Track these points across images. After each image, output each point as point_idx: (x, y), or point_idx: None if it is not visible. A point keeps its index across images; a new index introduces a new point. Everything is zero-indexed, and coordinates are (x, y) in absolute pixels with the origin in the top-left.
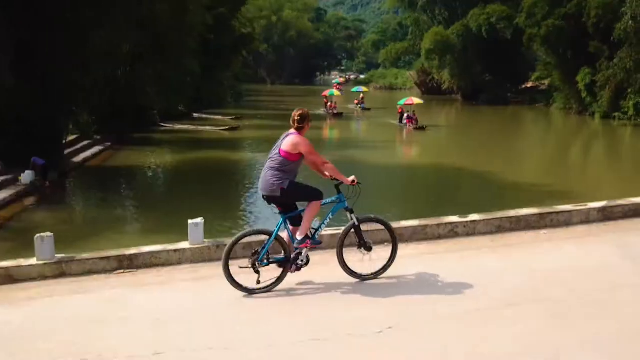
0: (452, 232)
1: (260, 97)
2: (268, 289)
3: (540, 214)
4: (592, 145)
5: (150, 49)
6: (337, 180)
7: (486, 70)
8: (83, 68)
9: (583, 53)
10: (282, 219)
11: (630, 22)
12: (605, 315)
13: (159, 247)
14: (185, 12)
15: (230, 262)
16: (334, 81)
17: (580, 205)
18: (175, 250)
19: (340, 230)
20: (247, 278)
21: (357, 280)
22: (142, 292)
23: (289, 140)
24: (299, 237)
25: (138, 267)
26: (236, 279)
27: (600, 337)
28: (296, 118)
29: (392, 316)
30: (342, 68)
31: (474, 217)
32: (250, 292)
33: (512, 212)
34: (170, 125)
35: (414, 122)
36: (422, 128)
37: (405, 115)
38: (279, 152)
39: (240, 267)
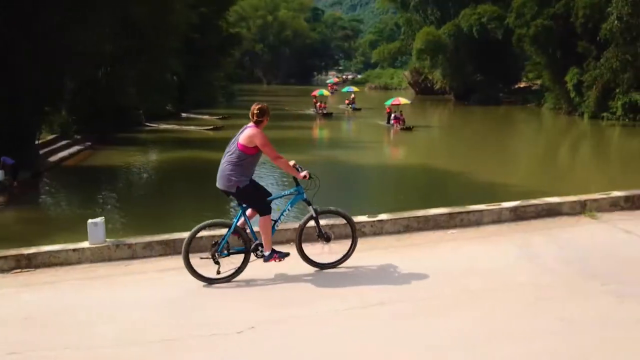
0: (360, 232)
1: (255, 97)
2: (228, 279)
3: (450, 214)
4: (577, 145)
5: (132, 49)
6: (291, 173)
7: (478, 70)
8: (57, 68)
9: (572, 53)
10: (241, 211)
11: (616, 22)
12: (492, 315)
13: (58, 246)
14: (167, 12)
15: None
16: (327, 81)
17: (493, 205)
18: (74, 250)
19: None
20: (208, 269)
21: (317, 269)
22: (30, 291)
23: (246, 133)
24: (265, 253)
25: (37, 267)
26: (197, 269)
27: (482, 336)
28: (255, 112)
29: (261, 315)
30: (340, 68)
31: (382, 216)
32: (211, 282)
33: (421, 212)
34: (156, 125)
35: (401, 122)
36: (408, 129)
37: (393, 115)
38: (237, 146)
39: (202, 258)
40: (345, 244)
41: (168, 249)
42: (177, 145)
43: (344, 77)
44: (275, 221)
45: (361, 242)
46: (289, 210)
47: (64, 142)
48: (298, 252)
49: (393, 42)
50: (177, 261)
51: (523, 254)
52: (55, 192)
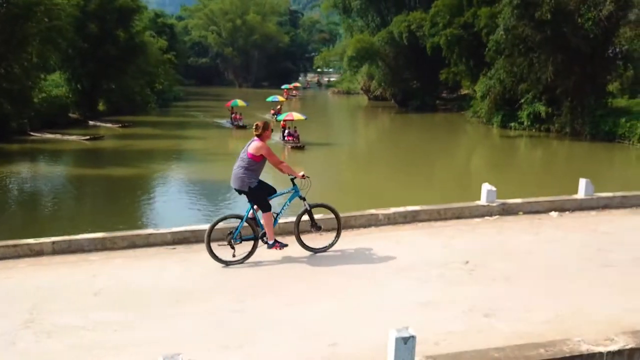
0: None
1: (199, 103)
2: (241, 261)
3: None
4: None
5: None
6: (292, 174)
7: (414, 77)
8: None
9: (484, 62)
10: (250, 206)
11: (502, 33)
12: None
13: None
14: (16, 24)
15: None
16: (283, 86)
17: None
18: None
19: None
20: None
21: (311, 252)
22: None
23: (253, 145)
24: (269, 242)
25: None
26: (216, 253)
27: None
28: (254, 129)
29: None
30: (322, 70)
31: None
32: (227, 263)
33: None
34: (39, 135)
35: (294, 139)
36: (300, 147)
37: (286, 132)
38: (247, 154)
39: (220, 245)
40: (333, 232)
41: None
42: (40, 157)
43: (307, 80)
44: (277, 214)
45: None
46: (287, 205)
47: None
48: (296, 239)
49: (334, 48)
50: None
51: None
52: None
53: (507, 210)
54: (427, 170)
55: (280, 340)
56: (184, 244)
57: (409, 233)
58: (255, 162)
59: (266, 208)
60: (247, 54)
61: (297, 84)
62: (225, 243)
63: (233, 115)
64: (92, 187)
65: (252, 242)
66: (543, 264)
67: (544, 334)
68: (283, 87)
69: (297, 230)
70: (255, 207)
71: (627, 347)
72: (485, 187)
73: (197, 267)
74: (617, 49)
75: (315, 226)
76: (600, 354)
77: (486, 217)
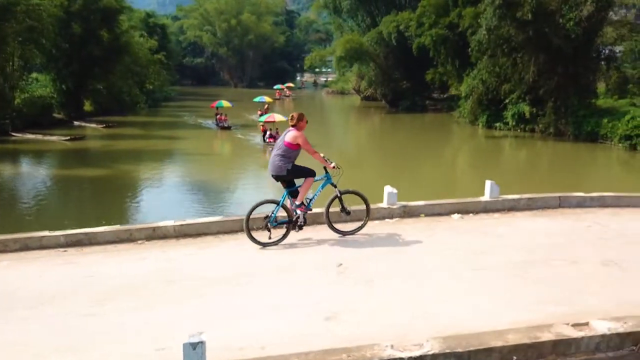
0: None
1: (191, 103)
2: (276, 243)
3: None
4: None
5: None
6: (323, 164)
7: (404, 78)
8: None
9: (469, 62)
10: (285, 193)
11: (484, 33)
12: None
13: None
14: None
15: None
16: (275, 87)
17: None
18: None
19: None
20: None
21: (340, 235)
22: None
23: (290, 135)
24: (297, 202)
25: None
26: (254, 236)
27: None
28: (289, 119)
29: None
30: (321, 69)
31: None
32: (264, 245)
33: None
34: (21, 135)
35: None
36: None
37: (268, 133)
38: (284, 143)
39: (257, 228)
40: (361, 217)
41: None
42: (22, 156)
43: (319, 79)
44: (310, 200)
45: None
46: (320, 191)
47: None
48: (326, 223)
49: (325, 49)
50: None
51: None
52: None
53: (408, 213)
54: (410, 171)
55: (120, 345)
56: (77, 246)
57: (300, 234)
58: (292, 150)
59: (310, 174)
60: (242, 54)
61: (291, 84)
62: (262, 226)
63: (218, 116)
64: (67, 187)
65: (286, 226)
66: (415, 266)
67: (377, 338)
68: (275, 87)
69: (327, 213)
70: (289, 194)
71: (430, 352)
72: (387, 189)
73: (75, 270)
74: (602, 49)
75: (344, 211)
76: (401, 359)
77: (386, 220)
